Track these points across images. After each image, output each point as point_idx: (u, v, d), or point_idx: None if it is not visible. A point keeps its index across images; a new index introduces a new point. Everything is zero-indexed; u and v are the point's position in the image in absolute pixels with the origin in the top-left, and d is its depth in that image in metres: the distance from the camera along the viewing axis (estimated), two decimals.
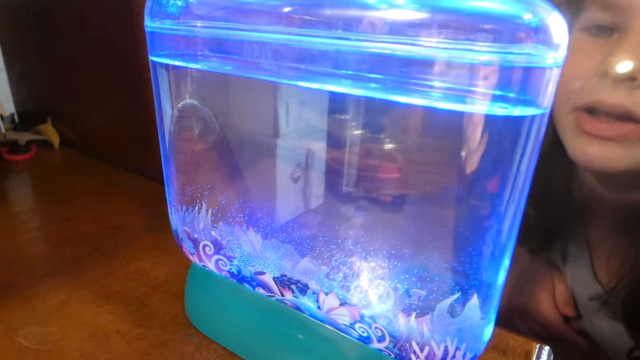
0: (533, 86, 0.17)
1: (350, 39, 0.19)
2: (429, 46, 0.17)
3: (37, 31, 0.65)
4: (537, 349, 0.31)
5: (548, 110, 0.18)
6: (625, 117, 0.36)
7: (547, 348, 0.31)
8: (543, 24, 0.16)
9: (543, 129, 0.18)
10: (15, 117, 0.75)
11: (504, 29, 0.16)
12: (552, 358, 0.31)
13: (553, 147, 0.44)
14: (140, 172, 0.58)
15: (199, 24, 0.25)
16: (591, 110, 0.38)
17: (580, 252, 0.49)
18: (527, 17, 0.16)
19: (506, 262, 0.20)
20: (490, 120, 0.17)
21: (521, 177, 0.18)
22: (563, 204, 0.49)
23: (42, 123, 0.68)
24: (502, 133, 0.18)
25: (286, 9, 0.21)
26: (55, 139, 0.66)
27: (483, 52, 0.16)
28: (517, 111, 0.17)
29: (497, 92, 0.17)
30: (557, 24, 0.16)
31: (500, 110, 0.17)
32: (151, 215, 0.47)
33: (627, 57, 0.35)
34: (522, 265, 0.52)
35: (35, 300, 0.33)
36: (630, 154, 0.37)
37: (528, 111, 0.17)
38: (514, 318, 0.52)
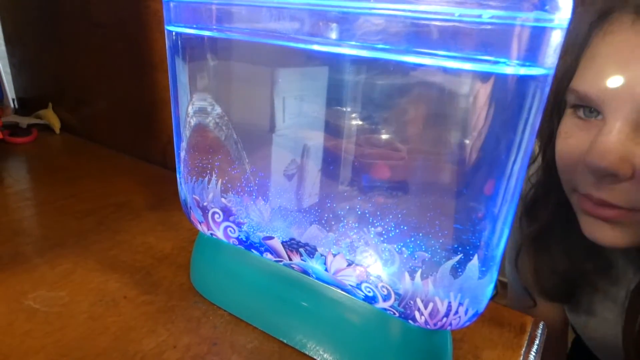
0: (538, 46, 0.18)
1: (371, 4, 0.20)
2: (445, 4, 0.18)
3: (41, 16, 0.66)
4: (532, 322, 0.32)
5: (552, 71, 0.19)
6: (611, 206, 0.36)
7: (542, 323, 0.32)
8: None
9: (547, 89, 0.19)
10: (15, 102, 0.76)
11: None
12: (545, 332, 0.32)
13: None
14: (141, 156, 0.59)
15: None
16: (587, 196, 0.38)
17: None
18: None
19: (507, 225, 0.21)
20: (496, 80, 0.19)
21: (526, 135, 0.19)
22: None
23: (43, 109, 0.69)
24: (508, 92, 0.19)
25: None
26: (56, 124, 0.66)
27: (493, 11, 0.17)
28: (522, 70, 0.18)
29: (505, 51, 0.18)
30: None
31: (508, 69, 0.18)
32: (154, 194, 0.48)
33: (602, 155, 0.34)
34: None
35: (42, 268, 0.34)
36: (629, 234, 0.37)
37: (533, 71, 0.18)
38: None
